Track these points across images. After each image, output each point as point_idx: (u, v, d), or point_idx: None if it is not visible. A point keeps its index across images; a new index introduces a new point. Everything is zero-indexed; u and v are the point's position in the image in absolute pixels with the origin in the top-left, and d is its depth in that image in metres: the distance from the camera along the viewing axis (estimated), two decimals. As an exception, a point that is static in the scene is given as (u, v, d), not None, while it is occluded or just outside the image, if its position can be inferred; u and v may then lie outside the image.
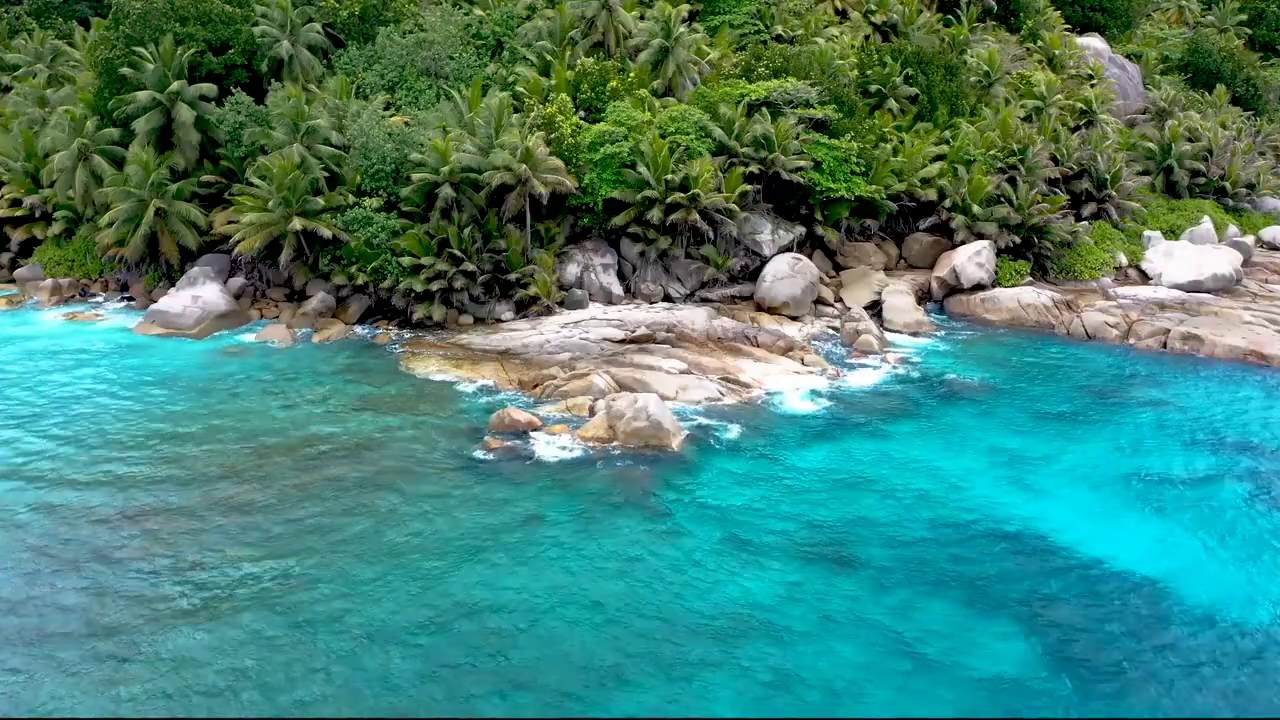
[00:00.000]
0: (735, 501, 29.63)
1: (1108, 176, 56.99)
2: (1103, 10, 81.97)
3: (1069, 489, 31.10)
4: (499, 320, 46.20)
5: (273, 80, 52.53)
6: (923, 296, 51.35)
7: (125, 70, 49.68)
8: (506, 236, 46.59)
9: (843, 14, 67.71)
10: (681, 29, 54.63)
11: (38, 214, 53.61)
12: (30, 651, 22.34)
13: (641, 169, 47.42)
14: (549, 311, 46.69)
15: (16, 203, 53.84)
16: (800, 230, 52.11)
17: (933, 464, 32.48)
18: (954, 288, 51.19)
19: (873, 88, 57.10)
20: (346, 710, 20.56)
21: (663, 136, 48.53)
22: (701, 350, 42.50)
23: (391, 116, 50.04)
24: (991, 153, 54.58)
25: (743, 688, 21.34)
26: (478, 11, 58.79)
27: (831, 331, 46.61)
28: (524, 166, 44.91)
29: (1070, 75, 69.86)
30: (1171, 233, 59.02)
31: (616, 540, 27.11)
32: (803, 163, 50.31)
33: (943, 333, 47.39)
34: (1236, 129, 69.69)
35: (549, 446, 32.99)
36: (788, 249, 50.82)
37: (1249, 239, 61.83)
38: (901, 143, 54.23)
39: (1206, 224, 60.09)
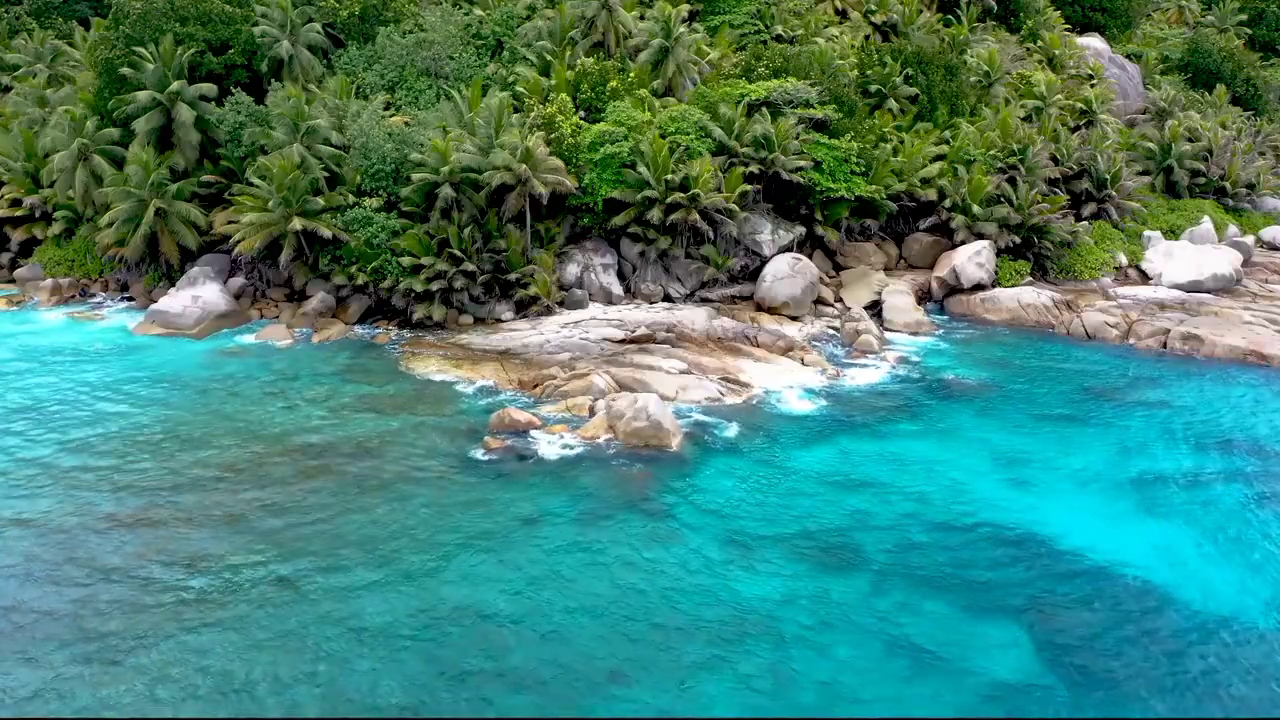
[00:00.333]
0: (735, 501, 29.63)
1: (1108, 176, 56.99)
2: (1103, 10, 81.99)
3: (1068, 489, 31.09)
4: (499, 320, 46.21)
5: (273, 80, 52.54)
6: (923, 296, 51.36)
7: (125, 70, 49.69)
8: (506, 236, 46.59)
9: (843, 14, 67.73)
10: (681, 29, 54.64)
11: (38, 214, 53.64)
12: (26, 652, 22.32)
13: (641, 169, 47.43)
14: (549, 311, 46.70)
15: (16, 203, 53.86)
16: (800, 230, 52.11)
17: (932, 464, 32.48)
18: (954, 288, 51.20)
19: (873, 88, 57.11)
20: (345, 711, 20.56)
21: (663, 136, 48.54)
22: (701, 350, 42.51)
23: (391, 116, 50.05)
24: (991, 153, 54.59)
25: (741, 688, 21.34)
26: (478, 11, 58.79)
27: (831, 331, 46.62)
28: (524, 166, 44.91)
29: (1070, 75, 69.87)
30: (1171, 233, 59.03)
31: (616, 540, 27.11)
32: (803, 163, 50.31)
33: (943, 333, 47.39)
34: (1236, 129, 69.71)
35: (549, 447, 32.98)
36: (788, 249, 50.83)
37: (1249, 239, 61.85)
38: (901, 143, 54.24)
39: (1206, 224, 60.10)
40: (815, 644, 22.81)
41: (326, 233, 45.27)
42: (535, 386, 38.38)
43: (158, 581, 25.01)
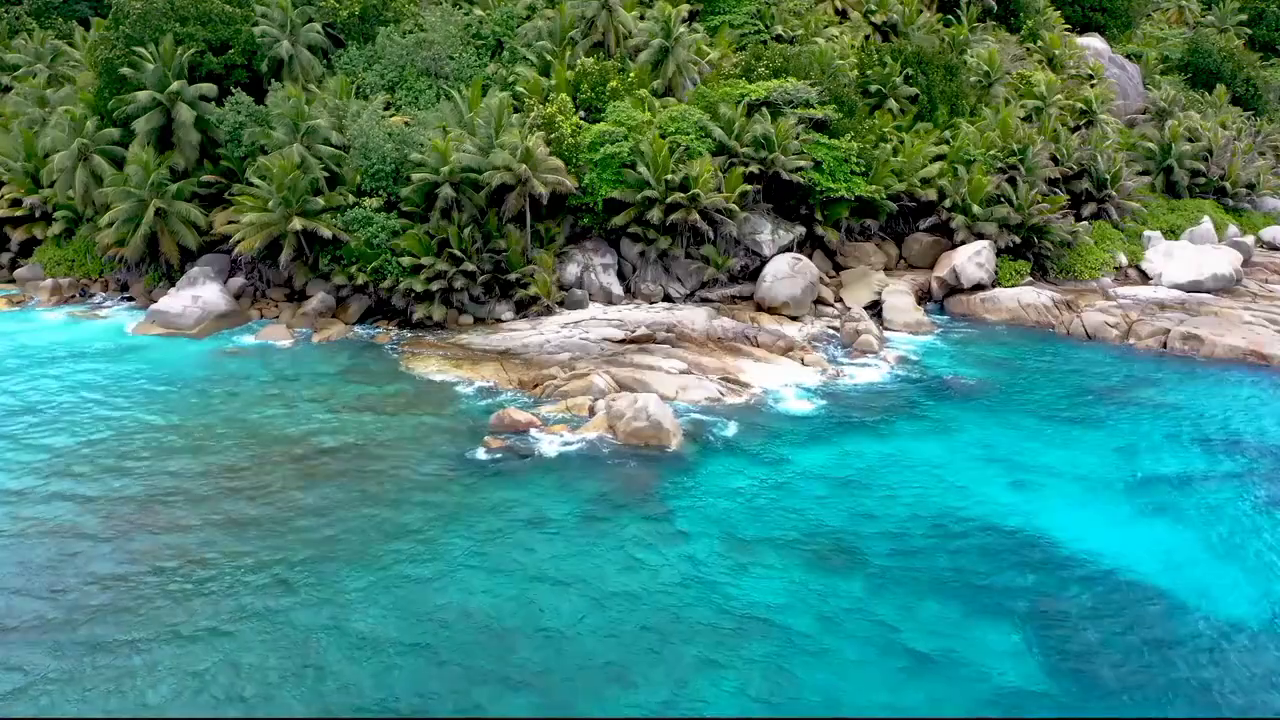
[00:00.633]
0: (735, 501, 29.64)
1: (1108, 176, 56.99)
2: (1103, 10, 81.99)
3: (1068, 489, 31.08)
4: (499, 320, 46.21)
5: (273, 80, 52.54)
6: (923, 296, 51.35)
7: (125, 70, 49.71)
8: (506, 236, 46.59)
9: (843, 14, 67.74)
10: (681, 29, 54.64)
11: (38, 214, 53.65)
12: (22, 652, 22.30)
13: (641, 169, 47.43)
14: (549, 311, 46.70)
15: (16, 203, 53.88)
16: (800, 230, 52.11)
17: (932, 464, 32.47)
18: (954, 288, 51.20)
19: (873, 88, 57.11)
20: (346, 711, 20.55)
21: (663, 136, 48.54)
22: (701, 350, 42.50)
23: (391, 116, 50.05)
24: (991, 153, 54.59)
25: (741, 688, 21.33)
26: (478, 11, 58.80)
27: (831, 331, 46.61)
28: (524, 166, 44.91)
29: (1070, 75, 69.87)
30: (1171, 233, 59.03)
31: (616, 540, 27.10)
32: (803, 163, 50.31)
33: (942, 332, 47.39)
34: (1236, 129, 69.71)
35: (549, 446, 32.97)
36: (788, 249, 50.83)
37: (1249, 239, 61.84)
38: (901, 143, 54.23)
39: (1206, 224, 60.10)
40: (815, 644, 22.80)
41: (326, 233, 45.27)
42: (535, 386, 38.38)
43: (157, 582, 24.98)
